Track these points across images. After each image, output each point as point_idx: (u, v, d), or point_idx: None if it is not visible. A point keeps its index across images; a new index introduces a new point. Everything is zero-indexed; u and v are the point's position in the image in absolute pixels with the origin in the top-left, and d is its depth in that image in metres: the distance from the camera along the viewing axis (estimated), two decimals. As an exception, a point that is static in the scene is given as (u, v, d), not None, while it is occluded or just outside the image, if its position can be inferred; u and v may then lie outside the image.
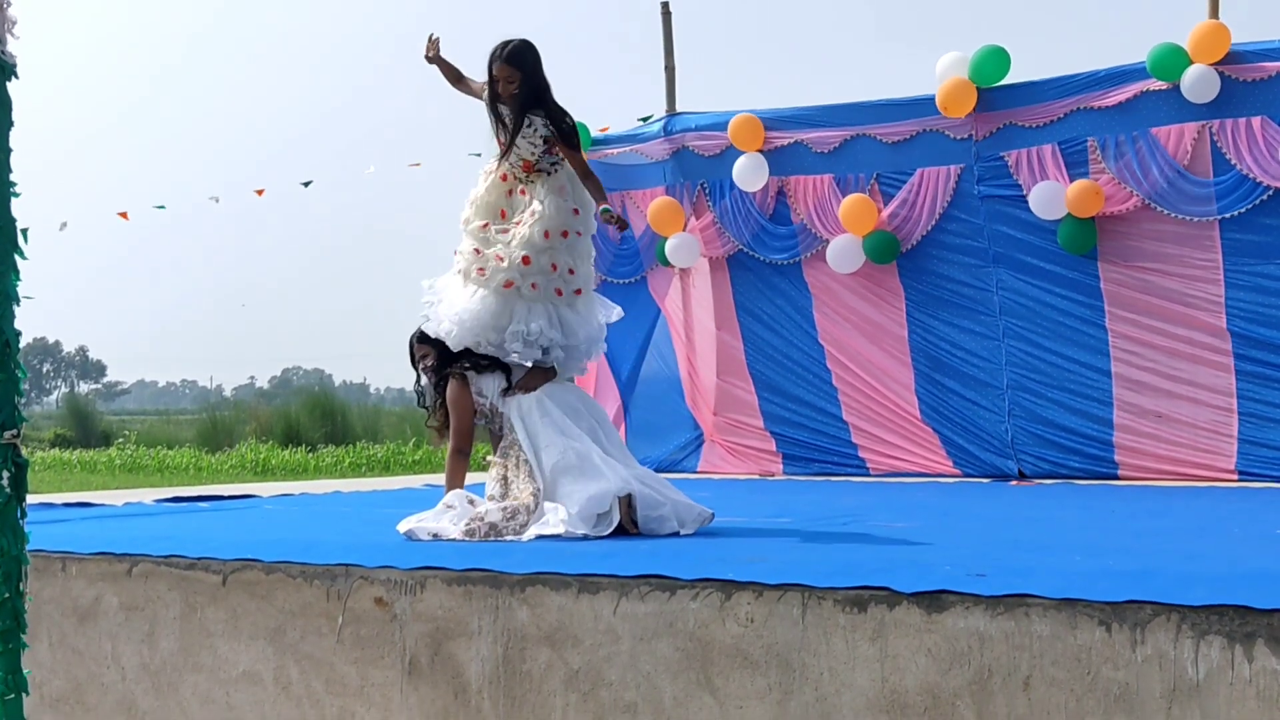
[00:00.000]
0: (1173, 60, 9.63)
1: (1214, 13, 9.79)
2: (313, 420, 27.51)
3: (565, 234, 6.77)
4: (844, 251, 10.97)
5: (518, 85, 6.74)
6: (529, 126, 6.75)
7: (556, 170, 6.84)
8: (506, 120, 6.79)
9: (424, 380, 6.87)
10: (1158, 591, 3.79)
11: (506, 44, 6.74)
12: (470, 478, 6.71)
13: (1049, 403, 10.44)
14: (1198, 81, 9.53)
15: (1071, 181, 10.05)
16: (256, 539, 6.20)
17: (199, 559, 5.41)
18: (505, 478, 6.38)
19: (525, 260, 6.63)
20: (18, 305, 3.07)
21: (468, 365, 6.66)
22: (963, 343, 10.79)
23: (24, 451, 3.12)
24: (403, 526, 6.10)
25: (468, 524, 6.03)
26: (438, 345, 6.77)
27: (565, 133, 6.82)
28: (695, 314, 12.03)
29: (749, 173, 11.31)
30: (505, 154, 6.79)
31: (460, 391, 6.63)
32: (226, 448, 26.20)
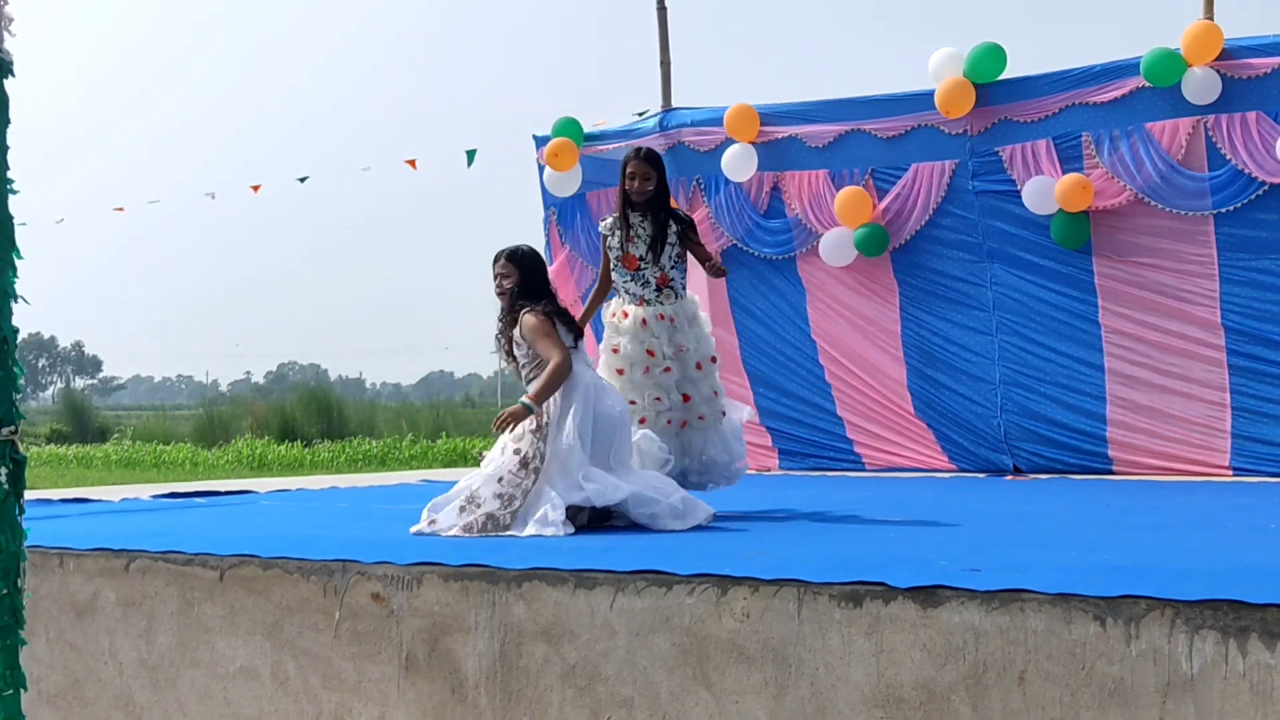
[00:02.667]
0: (1166, 65, 9.65)
1: (1209, 9, 9.81)
2: (309, 415, 27.52)
3: (714, 359, 7.18)
4: (837, 244, 10.98)
5: (654, 184, 7.06)
6: (673, 229, 7.10)
7: (684, 292, 7.13)
8: (643, 229, 7.07)
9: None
10: (1152, 586, 3.80)
11: (639, 147, 7.24)
12: (468, 470, 6.70)
13: (1043, 398, 10.46)
14: (1199, 84, 9.55)
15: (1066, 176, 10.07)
16: (254, 535, 6.21)
17: (196, 555, 5.42)
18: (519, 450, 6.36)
19: (685, 398, 7.01)
20: (15, 303, 3.07)
21: (549, 309, 6.61)
22: (956, 338, 10.80)
23: (21, 447, 3.12)
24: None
25: (466, 520, 6.05)
26: (522, 269, 6.65)
27: (693, 224, 7.25)
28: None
29: (738, 163, 11.32)
30: (654, 259, 7.05)
31: (544, 321, 6.55)
32: (223, 443, 26.21)
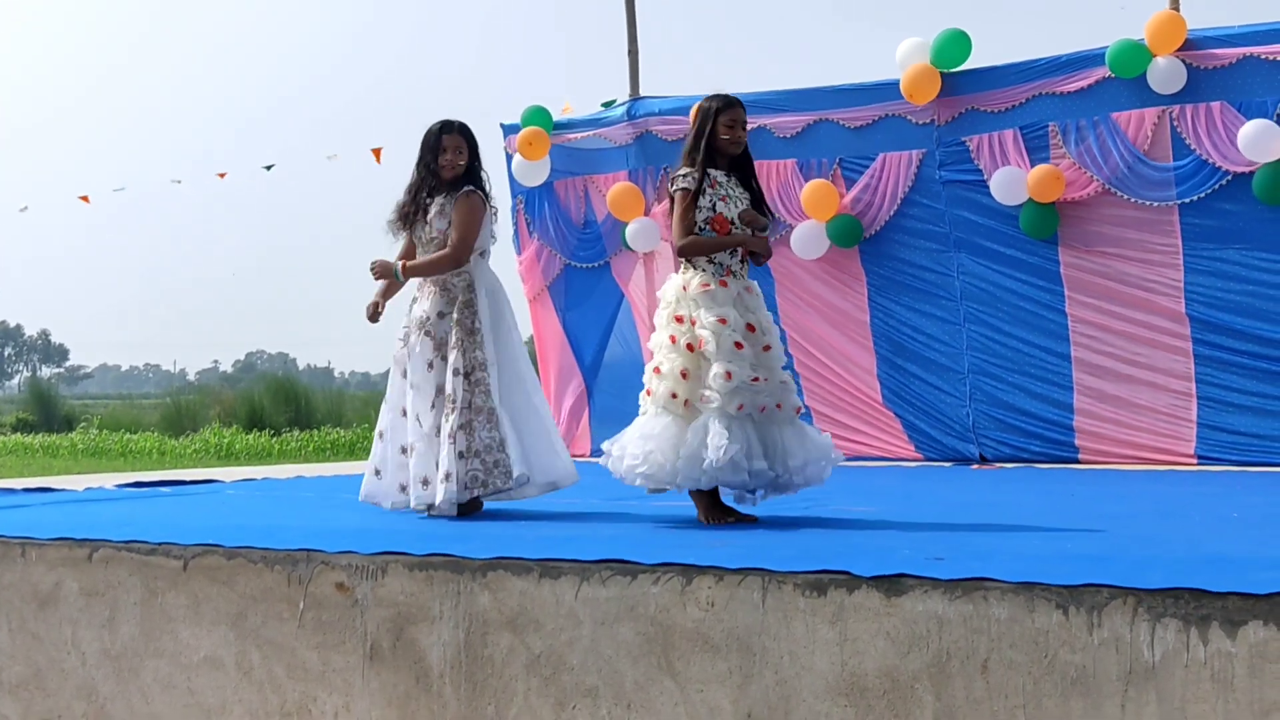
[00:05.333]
0: (1131, 56, 9.70)
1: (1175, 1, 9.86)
2: (277, 404, 27.37)
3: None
4: (808, 237, 10.99)
5: (745, 135, 6.30)
6: (758, 196, 6.35)
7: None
8: (733, 190, 6.25)
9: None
10: (1115, 575, 3.82)
11: (730, 95, 6.33)
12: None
13: (1010, 387, 10.49)
14: (1163, 74, 9.60)
15: (1032, 166, 10.11)
16: (218, 524, 6.20)
17: (160, 544, 5.40)
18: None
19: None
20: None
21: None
22: (924, 327, 10.83)
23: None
24: None
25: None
26: (473, 150, 6.88)
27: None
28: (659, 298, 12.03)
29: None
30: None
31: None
32: (190, 432, 26.07)
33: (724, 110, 6.21)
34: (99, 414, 32.50)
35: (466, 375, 6.66)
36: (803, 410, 6.25)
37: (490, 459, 6.55)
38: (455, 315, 6.75)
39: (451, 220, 6.76)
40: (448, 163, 6.81)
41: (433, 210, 6.83)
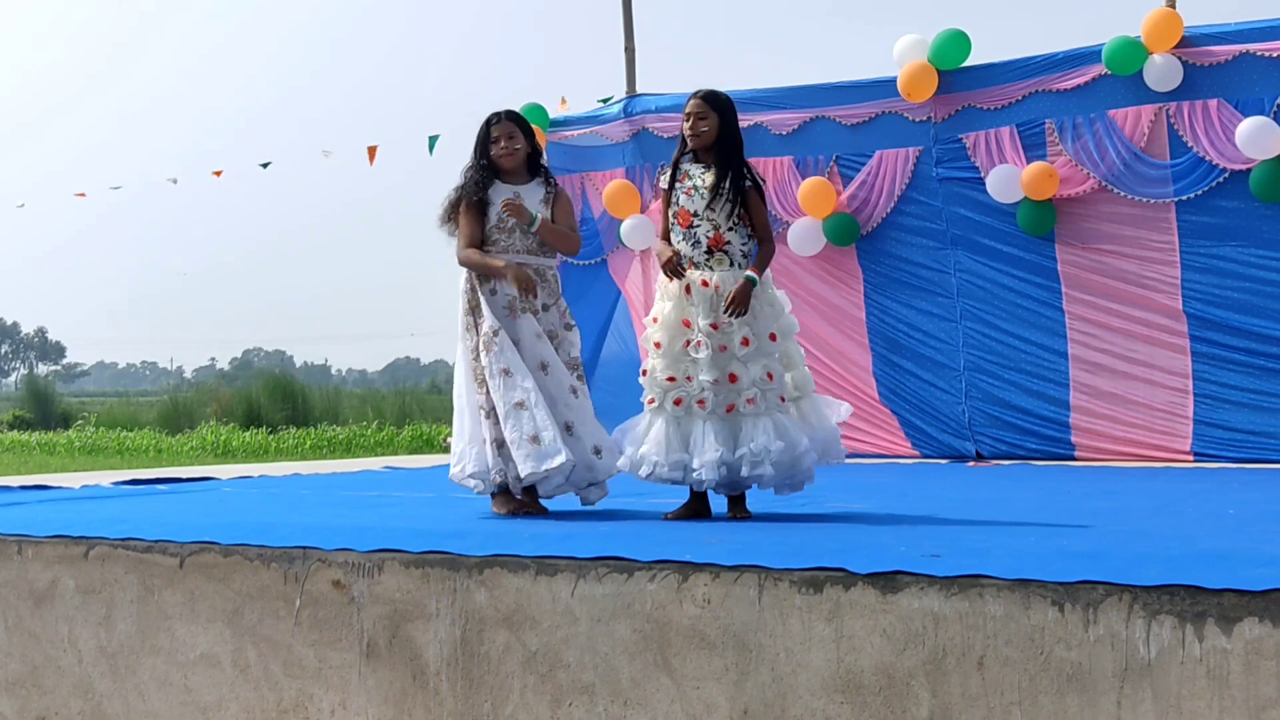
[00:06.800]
0: (1127, 53, 9.71)
1: (1171, -2, 9.88)
2: (273, 402, 27.36)
3: (773, 337, 6.18)
4: (804, 235, 10.99)
5: (711, 125, 6.16)
6: (729, 180, 6.13)
7: (744, 259, 6.19)
8: (701, 180, 6.19)
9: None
10: (1110, 571, 3.82)
11: (700, 89, 6.27)
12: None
13: (1006, 384, 10.51)
14: (1160, 72, 9.61)
15: (1029, 164, 10.11)
16: (214, 521, 6.18)
17: (156, 541, 5.39)
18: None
19: (732, 378, 6.08)
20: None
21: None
22: (920, 325, 10.84)
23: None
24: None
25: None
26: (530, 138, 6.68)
27: (760, 187, 6.27)
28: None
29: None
30: (709, 215, 6.13)
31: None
32: (187, 430, 26.06)
33: (687, 104, 6.30)
34: (96, 411, 32.47)
35: (574, 369, 6.71)
36: (758, 404, 6.08)
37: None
38: (558, 306, 6.70)
39: (562, 214, 6.66)
40: (504, 151, 6.55)
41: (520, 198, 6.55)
